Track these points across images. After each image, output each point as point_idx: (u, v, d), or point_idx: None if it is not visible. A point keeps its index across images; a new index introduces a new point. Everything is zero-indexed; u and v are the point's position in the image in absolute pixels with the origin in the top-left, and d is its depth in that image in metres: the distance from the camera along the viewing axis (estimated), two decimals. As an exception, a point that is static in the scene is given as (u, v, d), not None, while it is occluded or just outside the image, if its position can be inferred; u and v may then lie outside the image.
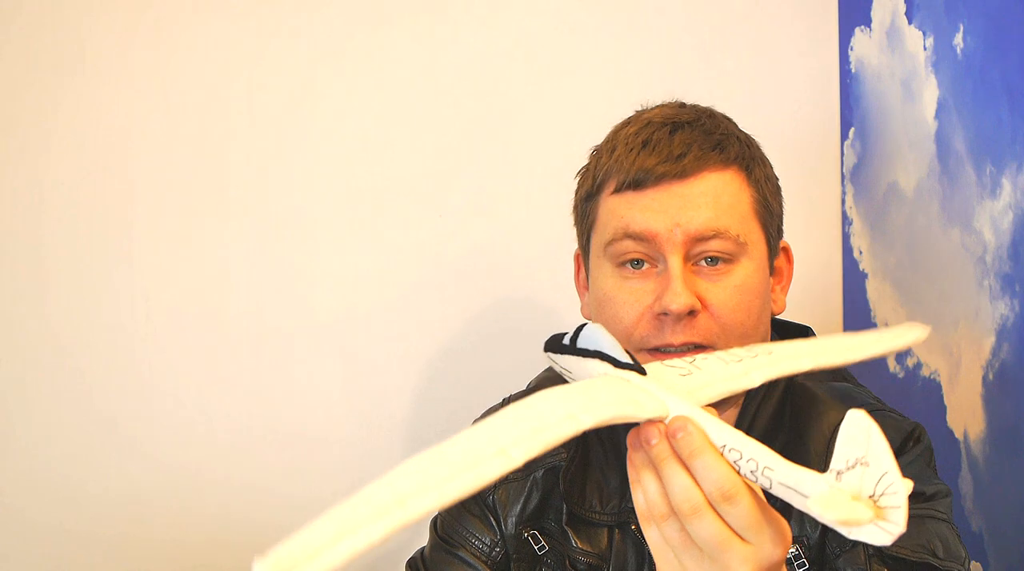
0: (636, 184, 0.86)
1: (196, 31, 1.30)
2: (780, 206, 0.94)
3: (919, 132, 1.20)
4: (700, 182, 0.86)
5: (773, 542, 0.58)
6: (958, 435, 1.13)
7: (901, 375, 1.26)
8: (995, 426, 1.07)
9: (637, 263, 0.87)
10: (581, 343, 0.66)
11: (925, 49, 1.18)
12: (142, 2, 1.29)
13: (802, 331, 1.00)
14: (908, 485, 0.51)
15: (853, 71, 1.37)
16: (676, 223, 0.84)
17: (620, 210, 0.87)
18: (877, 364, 1.30)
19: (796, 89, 1.41)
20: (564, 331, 0.69)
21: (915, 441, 0.85)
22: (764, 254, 0.90)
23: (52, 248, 1.27)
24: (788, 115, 1.40)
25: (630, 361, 0.64)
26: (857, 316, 1.37)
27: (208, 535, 1.31)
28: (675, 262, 0.84)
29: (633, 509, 0.90)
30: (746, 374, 0.65)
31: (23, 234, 1.27)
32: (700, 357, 0.67)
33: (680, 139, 0.87)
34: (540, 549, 0.95)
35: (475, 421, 1.05)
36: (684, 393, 0.62)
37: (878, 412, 0.87)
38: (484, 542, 0.98)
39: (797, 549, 0.84)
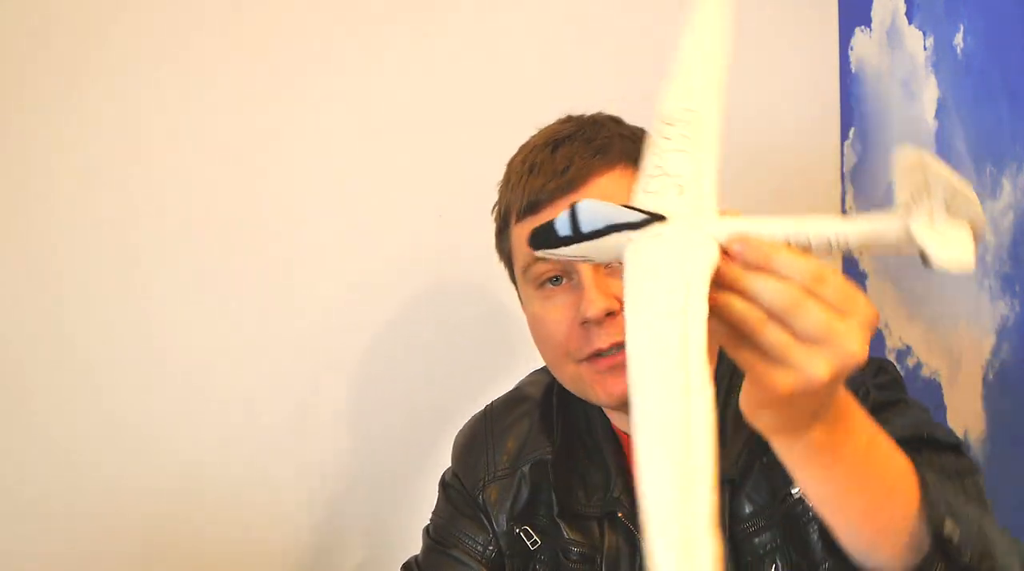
0: (532, 208, 0.90)
1: (191, 32, 1.30)
2: None
3: (919, 132, 1.20)
4: (590, 189, 0.89)
5: (867, 303, 0.56)
6: (958, 435, 1.13)
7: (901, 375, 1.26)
8: (995, 426, 1.07)
9: (556, 280, 0.90)
10: (586, 226, 0.60)
11: (925, 49, 1.18)
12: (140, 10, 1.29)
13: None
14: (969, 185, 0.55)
15: (853, 71, 1.37)
16: None
17: (526, 236, 0.90)
18: (877, 364, 1.30)
19: (796, 89, 1.41)
20: (546, 222, 0.62)
21: (885, 372, 0.89)
22: None
23: (54, 248, 1.27)
24: (788, 115, 1.40)
25: (645, 214, 0.60)
26: (857, 316, 1.37)
27: (204, 531, 1.32)
28: (585, 270, 0.86)
29: (618, 499, 0.92)
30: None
31: (25, 233, 1.27)
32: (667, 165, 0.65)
33: (562, 154, 0.90)
34: (533, 544, 0.96)
35: (456, 437, 1.07)
36: (711, 210, 0.60)
37: None
38: (477, 542, 1.00)
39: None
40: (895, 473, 0.63)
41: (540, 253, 0.62)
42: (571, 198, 0.88)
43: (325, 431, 1.35)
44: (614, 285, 0.86)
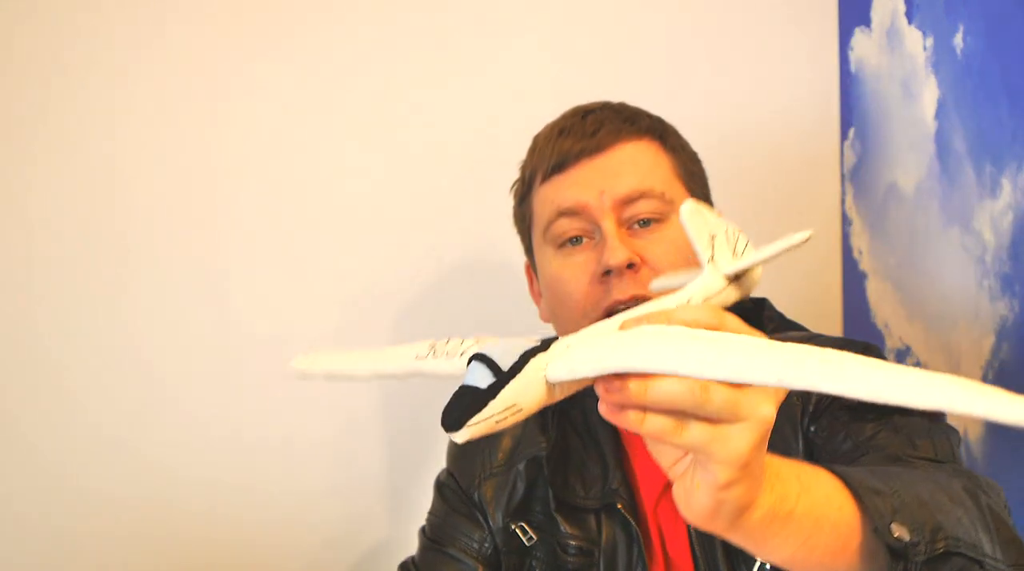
0: (559, 167, 0.92)
1: (189, 32, 1.30)
2: (702, 173, 0.98)
3: (919, 132, 1.20)
4: (617, 152, 0.92)
5: (764, 393, 0.54)
6: (957, 433, 1.13)
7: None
8: (995, 426, 1.07)
9: (576, 240, 0.91)
10: (505, 363, 0.54)
11: (925, 49, 1.18)
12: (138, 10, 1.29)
13: (758, 304, 1.02)
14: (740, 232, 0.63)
15: (853, 71, 1.37)
16: (602, 190, 0.89)
17: (550, 195, 0.93)
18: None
19: (796, 89, 1.41)
20: (453, 397, 0.54)
21: (870, 354, 0.90)
22: None
23: (47, 250, 1.27)
24: (788, 115, 1.40)
25: (537, 342, 0.57)
26: (857, 316, 1.37)
27: (196, 534, 1.31)
28: (609, 225, 0.88)
29: (617, 490, 0.92)
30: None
31: (21, 236, 1.27)
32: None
33: (592, 119, 0.93)
34: (528, 541, 0.97)
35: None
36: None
37: (815, 338, 0.92)
38: (473, 539, 1.00)
39: None
40: (835, 495, 0.62)
41: (469, 425, 0.51)
42: (598, 160, 0.91)
43: (323, 432, 1.35)
44: (636, 243, 0.88)
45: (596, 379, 0.53)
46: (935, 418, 0.84)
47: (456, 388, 0.54)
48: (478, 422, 0.51)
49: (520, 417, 0.53)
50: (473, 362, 0.53)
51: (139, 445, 1.29)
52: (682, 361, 0.49)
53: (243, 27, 1.31)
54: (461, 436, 0.51)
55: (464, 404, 0.51)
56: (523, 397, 0.53)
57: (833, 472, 0.63)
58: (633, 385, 0.51)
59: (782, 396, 0.53)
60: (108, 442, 1.29)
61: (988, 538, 0.66)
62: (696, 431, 0.51)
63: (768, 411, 0.52)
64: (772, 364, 0.47)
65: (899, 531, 0.61)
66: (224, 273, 1.31)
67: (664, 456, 0.57)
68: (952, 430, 0.84)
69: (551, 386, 0.54)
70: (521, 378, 0.53)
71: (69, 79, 1.27)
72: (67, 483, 1.28)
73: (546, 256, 0.94)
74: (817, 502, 0.60)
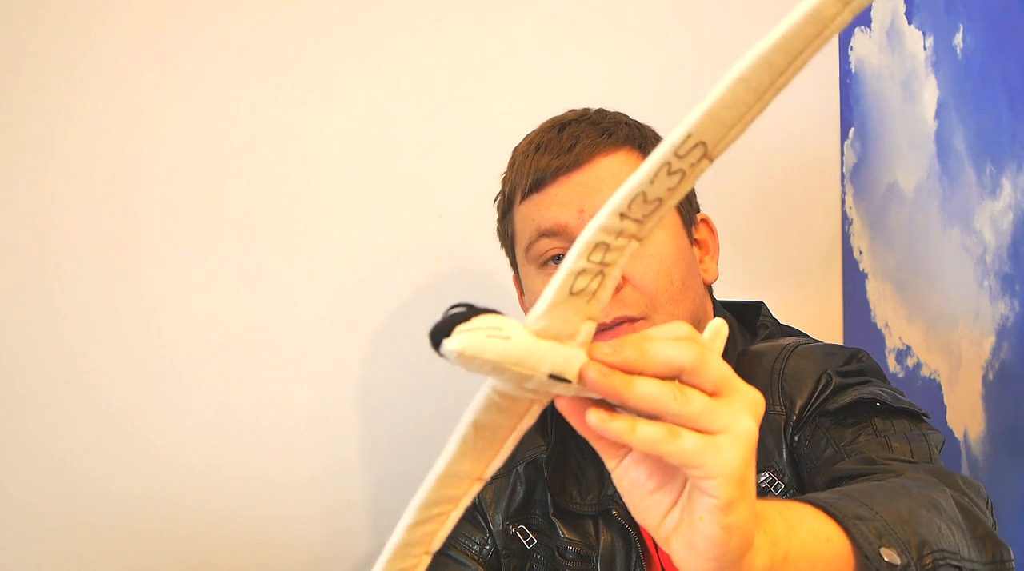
0: (537, 185, 0.91)
1: (200, 32, 1.30)
2: None
3: (919, 132, 1.20)
4: (595, 167, 0.90)
5: (740, 406, 0.50)
6: (958, 435, 1.13)
7: (901, 375, 1.26)
8: (995, 426, 1.07)
9: (559, 258, 0.91)
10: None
11: (925, 49, 1.18)
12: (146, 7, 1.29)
13: (753, 308, 1.02)
14: None
15: (853, 71, 1.37)
16: (580, 210, 0.89)
17: (530, 214, 0.92)
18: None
19: (796, 89, 1.40)
20: (434, 325, 0.48)
21: (858, 360, 0.89)
22: (677, 223, 0.93)
23: (64, 247, 1.27)
24: (788, 115, 1.40)
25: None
26: (857, 316, 1.37)
27: (211, 529, 1.32)
28: None
29: (613, 496, 0.92)
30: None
31: (36, 234, 1.27)
32: None
33: (568, 134, 0.92)
34: (529, 543, 0.97)
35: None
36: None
37: (813, 343, 0.92)
38: (474, 541, 1.00)
39: (769, 475, 0.86)
40: (821, 528, 0.60)
41: (459, 330, 0.47)
42: (576, 176, 0.90)
43: (325, 433, 1.35)
44: None
45: (588, 344, 0.49)
46: (917, 420, 0.84)
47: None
48: (468, 330, 0.47)
49: (506, 351, 0.48)
50: (453, 309, 0.48)
51: (161, 442, 1.29)
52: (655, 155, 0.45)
53: (243, 27, 1.31)
54: (454, 342, 0.47)
55: (450, 318, 0.47)
56: (506, 325, 0.49)
57: (812, 504, 0.61)
58: (633, 339, 0.47)
59: (761, 412, 0.50)
60: (130, 438, 1.29)
61: (965, 541, 0.66)
62: (689, 438, 0.48)
63: (749, 423, 0.49)
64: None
65: (889, 555, 0.60)
66: (241, 268, 1.32)
67: (652, 512, 0.53)
68: (932, 432, 0.84)
69: (533, 332, 0.50)
70: (501, 317, 0.49)
71: (74, 79, 1.27)
72: (86, 481, 1.28)
73: (529, 274, 0.94)
74: (806, 540, 0.58)
